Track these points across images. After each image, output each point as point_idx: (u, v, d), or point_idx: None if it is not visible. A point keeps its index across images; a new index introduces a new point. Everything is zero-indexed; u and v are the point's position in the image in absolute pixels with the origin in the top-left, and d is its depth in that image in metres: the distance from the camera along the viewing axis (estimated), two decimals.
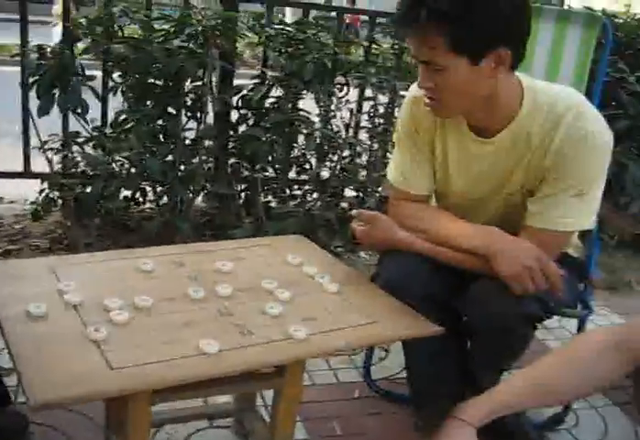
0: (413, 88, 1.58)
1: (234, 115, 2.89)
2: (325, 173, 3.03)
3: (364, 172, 3.07)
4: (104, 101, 2.83)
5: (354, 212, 1.67)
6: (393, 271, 1.58)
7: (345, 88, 3.00)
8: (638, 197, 2.98)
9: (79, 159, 2.66)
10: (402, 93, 3.00)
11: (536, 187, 1.50)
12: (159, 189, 2.72)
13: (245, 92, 2.81)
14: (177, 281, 1.43)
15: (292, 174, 3.04)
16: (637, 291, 2.97)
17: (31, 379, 1.03)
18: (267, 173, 2.94)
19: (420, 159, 1.62)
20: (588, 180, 1.45)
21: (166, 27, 2.62)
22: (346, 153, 2.99)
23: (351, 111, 3.01)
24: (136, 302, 1.30)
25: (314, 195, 3.04)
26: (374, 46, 3.08)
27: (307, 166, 3.04)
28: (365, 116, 3.06)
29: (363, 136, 3.09)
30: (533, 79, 1.53)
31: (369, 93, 3.09)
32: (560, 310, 1.65)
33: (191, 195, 2.73)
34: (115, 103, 2.75)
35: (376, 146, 3.02)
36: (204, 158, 2.76)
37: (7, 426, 1.49)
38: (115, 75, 2.71)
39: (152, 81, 2.63)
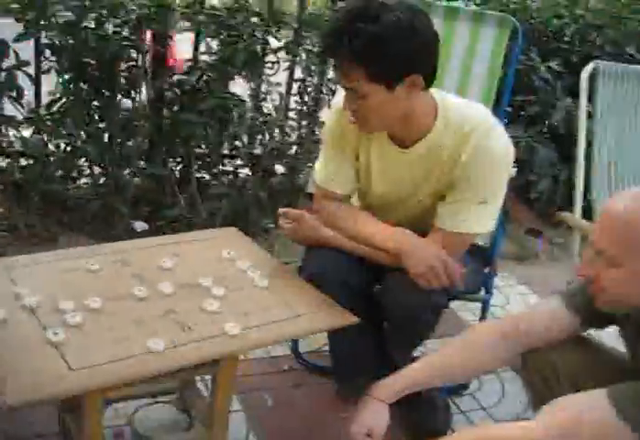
0: (340, 98, 1.73)
1: (168, 98, 2.99)
2: (257, 151, 3.17)
3: (293, 150, 3.23)
4: (37, 83, 2.88)
5: (281, 210, 1.84)
6: (315, 265, 1.79)
7: (275, 66, 3.12)
8: (545, 176, 3.25)
9: (14, 141, 2.73)
10: (330, 75, 3.16)
11: (446, 194, 1.70)
12: (97, 171, 2.82)
13: (179, 75, 2.91)
14: (123, 281, 1.59)
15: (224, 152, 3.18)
16: (543, 261, 3.27)
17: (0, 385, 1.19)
18: (200, 150, 3.07)
19: (344, 163, 1.79)
20: (490, 191, 1.66)
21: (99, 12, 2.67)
22: (276, 133, 3.14)
23: (281, 95, 3.15)
24: (87, 304, 1.46)
25: (246, 171, 3.20)
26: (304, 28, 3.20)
27: (239, 143, 3.18)
28: (295, 98, 3.20)
29: (293, 117, 3.24)
30: (446, 95, 1.70)
31: (298, 74, 3.23)
32: (464, 296, 1.91)
33: (128, 177, 2.84)
34: (49, 86, 2.81)
35: (304, 126, 3.18)
36: (139, 139, 2.87)
37: None
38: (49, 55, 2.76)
39: (87, 61, 2.69)
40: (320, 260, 1.79)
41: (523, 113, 3.45)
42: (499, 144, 1.65)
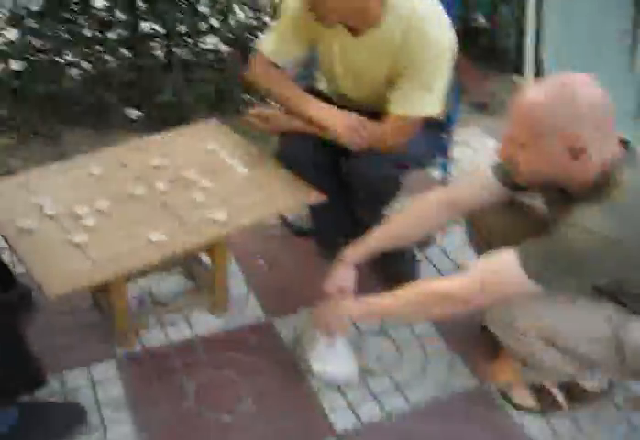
0: None
1: None
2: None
3: None
4: None
5: (253, 112, 2.08)
6: (288, 150, 2.07)
7: None
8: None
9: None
10: None
11: (396, 80, 1.92)
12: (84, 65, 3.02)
13: None
14: (123, 182, 1.89)
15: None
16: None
17: (44, 278, 1.54)
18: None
19: (292, 42, 2.01)
20: (433, 78, 1.88)
21: None
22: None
23: None
24: (97, 207, 1.77)
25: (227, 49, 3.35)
26: None
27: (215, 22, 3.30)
28: None
29: None
30: None
31: None
32: (421, 162, 2.19)
33: (115, 66, 3.04)
34: None
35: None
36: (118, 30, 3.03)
37: (20, 297, 2.01)
38: None
39: None
40: (292, 146, 2.06)
41: None
42: (443, 34, 1.86)
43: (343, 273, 1.88)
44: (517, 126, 1.49)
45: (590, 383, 1.86)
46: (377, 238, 1.88)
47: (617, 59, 2.79)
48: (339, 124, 1.91)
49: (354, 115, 1.92)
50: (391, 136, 1.94)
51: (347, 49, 1.98)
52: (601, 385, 1.88)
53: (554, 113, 1.40)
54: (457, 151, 2.83)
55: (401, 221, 1.88)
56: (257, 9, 3.29)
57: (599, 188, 1.45)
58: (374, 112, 1.97)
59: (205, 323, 2.09)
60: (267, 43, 2.05)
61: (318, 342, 1.84)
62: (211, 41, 3.37)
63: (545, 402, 1.88)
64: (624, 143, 1.51)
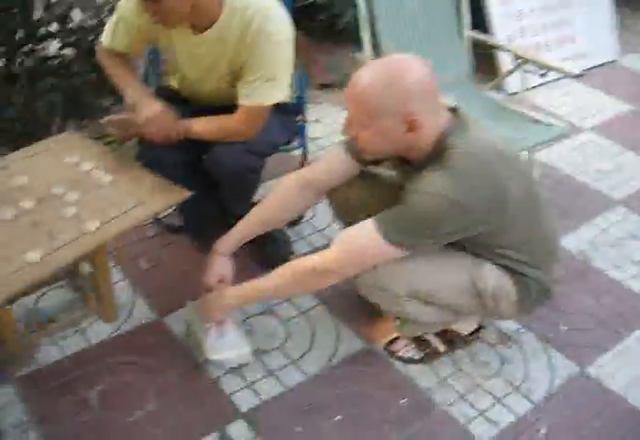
0: None
1: None
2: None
3: None
4: None
5: (103, 121, 2.09)
6: (149, 152, 2.11)
7: None
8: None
9: None
10: None
11: (241, 73, 2.01)
12: None
13: None
14: None
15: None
16: None
17: None
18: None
19: (129, 35, 2.08)
20: (276, 69, 1.98)
21: None
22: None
23: None
24: None
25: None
26: None
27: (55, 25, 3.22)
28: None
29: None
30: None
31: None
32: (278, 147, 2.29)
33: None
34: None
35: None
36: None
37: None
38: None
39: None
40: (151, 148, 2.09)
41: None
42: (279, 25, 1.96)
43: (219, 263, 1.98)
44: (353, 108, 1.62)
45: (463, 326, 2.06)
46: (245, 226, 1.98)
47: (447, 25, 2.98)
48: (144, 113, 1.99)
49: (159, 108, 2.00)
50: (244, 126, 2.03)
51: (189, 46, 2.05)
52: (472, 327, 2.09)
53: (384, 94, 1.54)
54: (313, 130, 2.97)
55: (266, 207, 1.99)
56: (98, 7, 3.22)
57: (437, 154, 1.61)
58: (228, 105, 2.05)
59: (98, 331, 2.12)
60: (107, 35, 2.12)
61: (209, 331, 1.94)
62: (54, 48, 3.29)
63: (427, 352, 2.07)
64: (454, 110, 1.67)
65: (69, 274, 2.16)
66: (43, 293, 2.19)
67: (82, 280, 2.16)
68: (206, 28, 1.98)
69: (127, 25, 2.06)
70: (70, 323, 2.11)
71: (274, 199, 1.98)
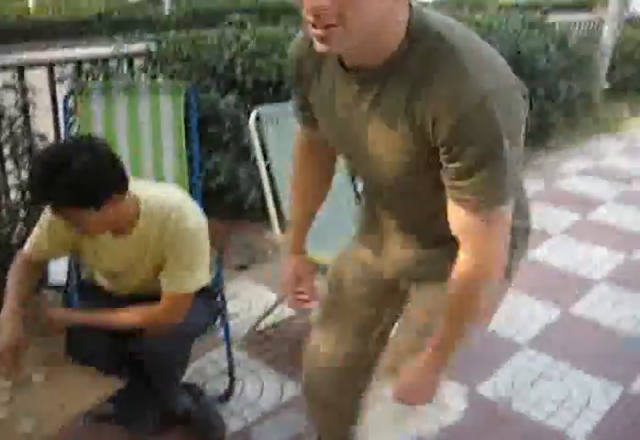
0: None
1: None
2: None
3: None
4: None
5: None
6: (76, 345, 2.17)
7: None
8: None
9: None
10: None
11: (163, 265, 2.15)
12: None
13: None
14: None
15: None
16: (275, 261, 3.76)
17: None
18: None
19: (48, 241, 2.18)
20: (195, 259, 2.12)
21: None
22: None
23: None
24: None
25: None
26: None
27: None
28: None
29: None
30: (143, 187, 2.13)
31: None
32: (203, 328, 2.41)
33: None
34: None
35: None
36: None
37: None
38: None
39: None
40: (79, 340, 2.17)
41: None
42: (193, 218, 2.13)
43: (295, 264, 1.96)
44: None
45: None
46: (298, 213, 1.95)
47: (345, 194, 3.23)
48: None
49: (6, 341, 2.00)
50: (168, 313, 2.15)
51: (110, 250, 2.18)
52: None
53: None
54: (232, 307, 3.12)
55: (302, 184, 1.92)
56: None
57: (414, 40, 1.33)
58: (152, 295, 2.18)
59: None
60: (30, 240, 2.21)
61: None
62: None
63: None
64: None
65: None
66: None
67: None
68: (126, 232, 2.13)
69: (51, 234, 2.17)
70: None
71: (303, 175, 1.90)
